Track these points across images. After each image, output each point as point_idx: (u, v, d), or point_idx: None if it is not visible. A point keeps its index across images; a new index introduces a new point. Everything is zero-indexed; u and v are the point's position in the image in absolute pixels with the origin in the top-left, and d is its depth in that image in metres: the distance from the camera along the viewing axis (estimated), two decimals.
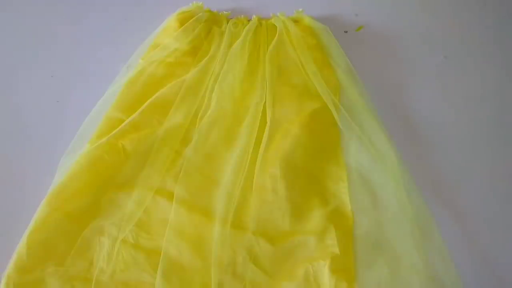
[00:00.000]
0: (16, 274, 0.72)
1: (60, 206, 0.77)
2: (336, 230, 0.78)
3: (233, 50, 1.00)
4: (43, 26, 1.11)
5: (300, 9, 1.07)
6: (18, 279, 0.72)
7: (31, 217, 0.77)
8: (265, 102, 0.92)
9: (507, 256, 0.80)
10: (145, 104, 0.90)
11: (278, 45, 1.01)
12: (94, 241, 0.78)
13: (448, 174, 0.88)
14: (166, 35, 1.02)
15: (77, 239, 0.77)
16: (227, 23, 1.06)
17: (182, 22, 1.02)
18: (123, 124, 0.86)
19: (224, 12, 1.09)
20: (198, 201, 0.81)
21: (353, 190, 0.84)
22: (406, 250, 0.77)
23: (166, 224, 0.78)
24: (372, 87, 0.97)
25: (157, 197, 0.82)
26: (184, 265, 0.75)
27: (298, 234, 0.79)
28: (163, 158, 0.85)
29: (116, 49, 1.06)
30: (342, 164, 0.87)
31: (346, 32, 1.09)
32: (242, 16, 1.08)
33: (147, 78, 0.95)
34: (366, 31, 1.09)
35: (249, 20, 1.07)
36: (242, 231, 0.78)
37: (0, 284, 0.71)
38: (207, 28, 1.04)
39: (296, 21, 1.06)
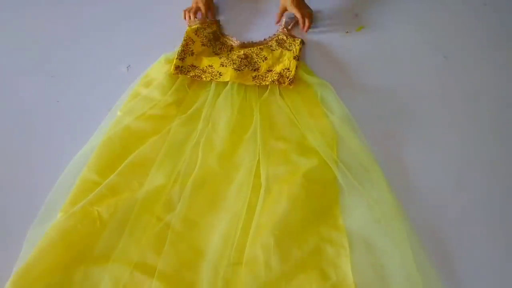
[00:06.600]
0: None
1: None
2: None
3: (220, 100, 0.92)
4: (43, 26, 1.12)
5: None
6: None
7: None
8: (259, 159, 0.84)
9: (507, 256, 0.80)
10: (124, 163, 0.81)
11: (269, 95, 0.94)
12: None
13: (448, 173, 0.88)
14: (155, 75, 0.96)
15: None
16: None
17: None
18: (99, 188, 0.78)
19: None
20: (183, 277, 0.72)
21: (356, 259, 0.74)
22: None
23: None
24: (372, 87, 0.97)
25: (135, 273, 0.72)
26: None
27: None
28: (143, 226, 0.76)
29: (116, 49, 1.06)
30: (341, 227, 0.78)
31: (347, 32, 1.09)
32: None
33: (126, 133, 0.86)
34: (366, 31, 1.09)
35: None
36: None
37: None
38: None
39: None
